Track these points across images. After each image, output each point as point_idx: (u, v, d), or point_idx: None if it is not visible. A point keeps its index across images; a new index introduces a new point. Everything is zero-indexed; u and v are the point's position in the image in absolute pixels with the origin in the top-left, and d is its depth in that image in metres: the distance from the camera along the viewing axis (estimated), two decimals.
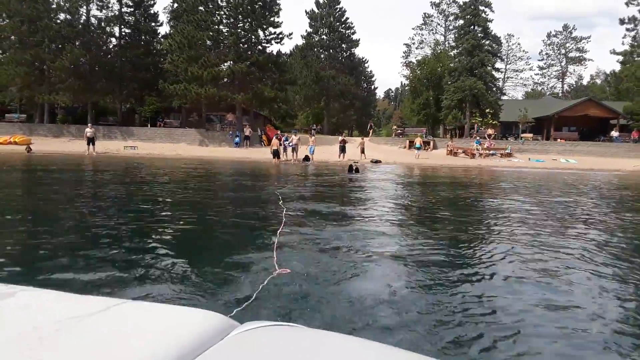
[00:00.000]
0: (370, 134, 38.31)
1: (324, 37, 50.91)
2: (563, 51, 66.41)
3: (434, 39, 60.00)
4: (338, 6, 50.64)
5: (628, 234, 6.72)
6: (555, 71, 67.82)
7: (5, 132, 32.40)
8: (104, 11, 35.63)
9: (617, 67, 37.53)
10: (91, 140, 24.55)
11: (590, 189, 14.16)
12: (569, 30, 65.39)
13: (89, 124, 27.09)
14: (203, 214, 7.56)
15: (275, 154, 23.32)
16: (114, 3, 35.57)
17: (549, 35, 66.92)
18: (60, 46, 32.96)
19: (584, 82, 70.03)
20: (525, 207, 9.17)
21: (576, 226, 7.25)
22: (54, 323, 0.85)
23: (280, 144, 24.24)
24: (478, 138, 32.48)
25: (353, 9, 75.57)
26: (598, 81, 69.58)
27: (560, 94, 65.97)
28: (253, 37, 32.74)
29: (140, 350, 0.76)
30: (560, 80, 68.10)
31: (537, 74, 69.31)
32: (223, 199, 9.70)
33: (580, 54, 64.91)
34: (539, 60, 69.12)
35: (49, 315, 0.90)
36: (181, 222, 6.76)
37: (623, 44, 35.17)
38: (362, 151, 27.33)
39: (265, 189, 11.71)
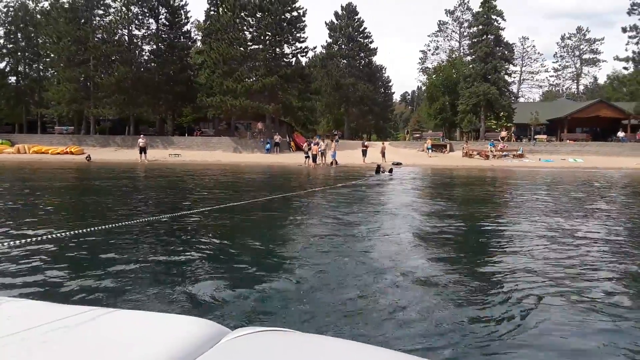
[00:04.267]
0: (407, 138, 41.87)
1: (343, 46, 53.60)
2: (577, 53, 67.81)
3: (449, 46, 62.23)
4: (356, 17, 53.27)
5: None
6: (570, 73, 69.23)
7: (56, 142, 35.92)
8: (142, 30, 39.05)
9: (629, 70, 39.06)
10: (143, 150, 27.63)
11: (581, 183, 16.37)
12: (583, 32, 66.87)
13: (142, 135, 30.21)
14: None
15: (314, 158, 26.39)
16: (151, 22, 38.90)
17: (562, 38, 68.51)
18: (106, 64, 36.34)
19: (601, 82, 71.21)
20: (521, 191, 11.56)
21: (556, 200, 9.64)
22: (42, 334, 0.85)
23: (319, 150, 27.27)
24: (492, 140, 34.60)
25: (369, 9, 77.89)
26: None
27: (578, 95, 67.17)
28: (278, 49, 35.64)
29: None
30: (575, 81, 69.42)
31: (552, 76, 70.65)
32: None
33: (594, 56, 66.21)
34: (553, 62, 70.39)
35: (36, 326, 0.89)
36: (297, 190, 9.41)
37: (626, 50, 36.87)
38: (383, 155, 29.72)
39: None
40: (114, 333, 0.91)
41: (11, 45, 43.18)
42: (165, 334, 0.88)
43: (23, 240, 3.45)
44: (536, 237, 5.94)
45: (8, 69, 43.79)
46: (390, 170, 19.39)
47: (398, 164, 28.16)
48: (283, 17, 34.09)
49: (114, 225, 4.36)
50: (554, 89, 71.78)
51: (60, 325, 0.90)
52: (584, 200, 10.97)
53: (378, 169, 19.40)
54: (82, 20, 37.44)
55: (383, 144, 33.01)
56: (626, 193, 13.62)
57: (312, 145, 27.80)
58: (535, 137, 38.82)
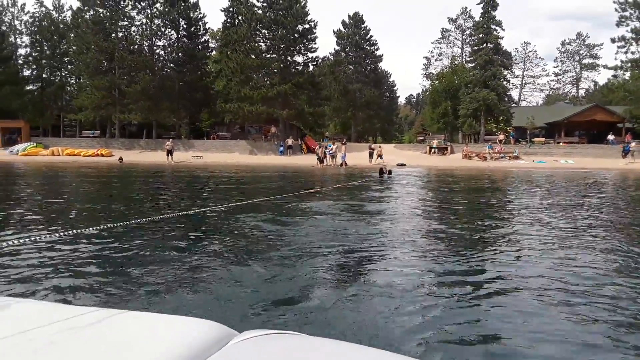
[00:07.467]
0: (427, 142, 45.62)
1: (351, 54, 56.24)
2: (577, 58, 69.94)
3: (452, 52, 64.74)
4: (363, 25, 55.89)
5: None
6: (570, 77, 71.39)
7: (85, 145, 38.79)
8: (163, 41, 41.91)
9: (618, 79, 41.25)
10: (170, 152, 30.37)
11: (563, 181, 18.79)
12: (582, 37, 69.00)
13: (169, 139, 33.01)
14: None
15: (322, 159, 29.08)
16: (172, 34, 41.73)
17: (563, 43, 70.66)
18: (131, 73, 39.22)
19: (601, 86, 73.16)
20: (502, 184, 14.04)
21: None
22: (49, 335, 0.86)
23: (330, 152, 29.99)
24: (490, 143, 36.97)
25: (377, 13, 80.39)
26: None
27: (578, 99, 69.25)
28: (290, 58, 38.36)
29: None
30: (575, 86, 71.58)
31: (553, 80, 72.94)
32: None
33: (594, 61, 68.24)
34: (554, 66, 72.70)
35: (43, 326, 0.90)
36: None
37: (615, 59, 38.97)
38: (380, 156, 31.80)
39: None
40: (122, 334, 0.92)
41: (36, 54, 46.17)
42: (172, 336, 0.89)
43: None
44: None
45: (33, 75, 46.74)
46: (381, 171, 21.13)
47: (402, 164, 30.58)
48: (296, 29, 36.76)
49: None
50: (555, 92, 73.99)
51: (67, 326, 0.92)
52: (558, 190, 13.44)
53: (381, 171, 21.42)
54: (107, 32, 40.33)
55: (380, 147, 35.26)
56: (601, 185, 16.10)
57: (323, 148, 30.47)
58: (533, 139, 41.09)
